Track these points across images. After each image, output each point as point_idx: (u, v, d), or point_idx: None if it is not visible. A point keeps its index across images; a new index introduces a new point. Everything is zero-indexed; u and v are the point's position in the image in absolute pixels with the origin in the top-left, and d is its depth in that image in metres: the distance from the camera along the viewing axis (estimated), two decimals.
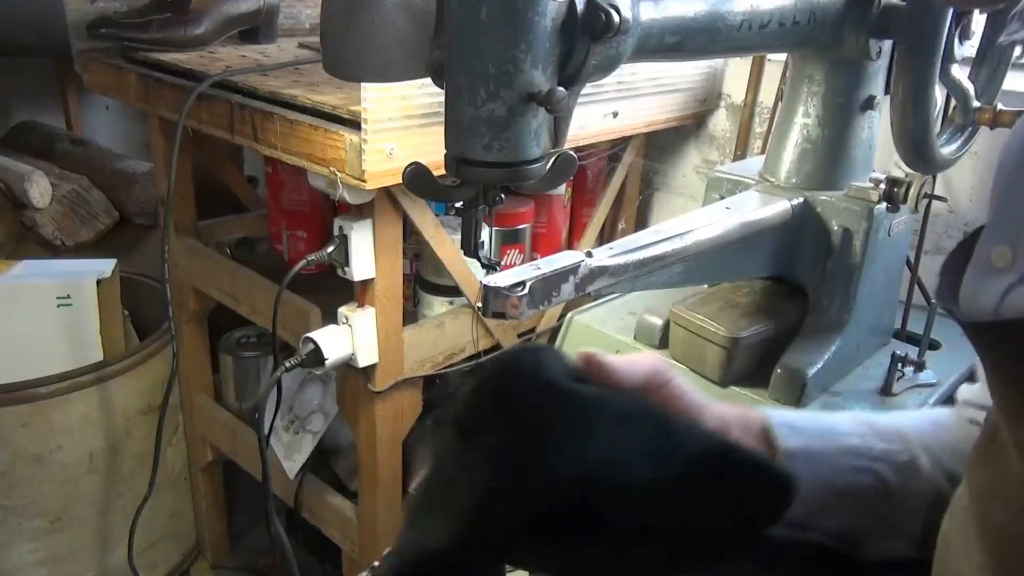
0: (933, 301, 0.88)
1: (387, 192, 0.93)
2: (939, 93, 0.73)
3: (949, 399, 0.87)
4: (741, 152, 1.28)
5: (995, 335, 0.36)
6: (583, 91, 0.58)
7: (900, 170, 0.83)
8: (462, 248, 0.62)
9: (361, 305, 1.00)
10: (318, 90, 0.93)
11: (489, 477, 0.37)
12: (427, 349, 1.09)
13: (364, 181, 0.83)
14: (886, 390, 0.84)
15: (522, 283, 0.58)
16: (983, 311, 0.36)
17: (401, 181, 0.58)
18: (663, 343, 0.91)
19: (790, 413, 0.50)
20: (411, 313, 1.17)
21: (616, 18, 0.53)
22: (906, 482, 0.48)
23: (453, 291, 1.13)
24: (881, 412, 0.53)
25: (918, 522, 0.49)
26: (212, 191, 1.48)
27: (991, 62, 0.83)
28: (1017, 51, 0.83)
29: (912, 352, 0.87)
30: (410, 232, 1.10)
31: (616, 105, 1.11)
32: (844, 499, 0.48)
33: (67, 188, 1.47)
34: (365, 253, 0.95)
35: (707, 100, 1.30)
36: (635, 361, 0.44)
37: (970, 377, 0.94)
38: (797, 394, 0.80)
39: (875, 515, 0.48)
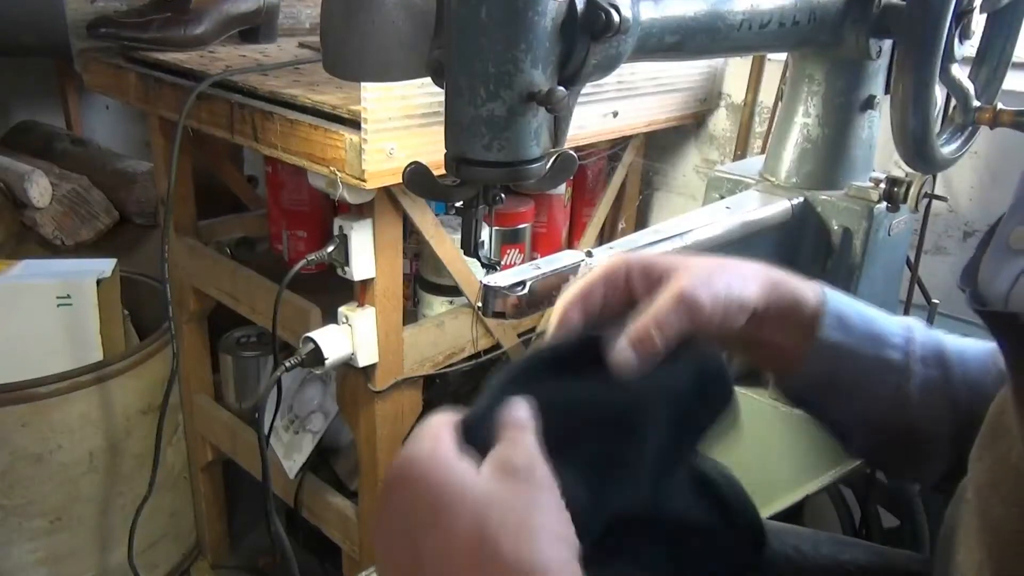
0: (934, 301, 0.88)
1: (387, 192, 0.93)
2: (939, 93, 0.73)
3: None
4: (741, 152, 1.28)
5: (1005, 323, 0.36)
6: (583, 91, 0.58)
7: (900, 170, 0.83)
8: (462, 248, 0.62)
9: (361, 305, 1.00)
10: (318, 90, 0.93)
11: None
12: (427, 349, 1.09)
13: (364, 181, 0.83)
14: None
15: (522, 283, 0.59)
16: (996, 295, 0.36)
17: (401, 181, 0.58)
18: None
19: (847, 305, 0.49)
20: (411, 313, 1.17)
21: (616, 18, 0.53)
22: (928, 400, 0.48)
23: (453, 291, 1.13)
24: (943, 334, 0.52)
25: (943, 440, 0.48)
26: (212, 191, 1.48)
27: (991, 62, 0.83)
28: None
29: None
30: (410, 232, 1.10)
31: (616, 105, 1.11)
32: (856, 393, 0.48)
33: (67, 188, 1.47)
34: (365, 253, 0.95)
35: (707, 100, 1.30)
36: (591, 283, 0.45)
37: None
38: None
39: (893, 426, 0.48)
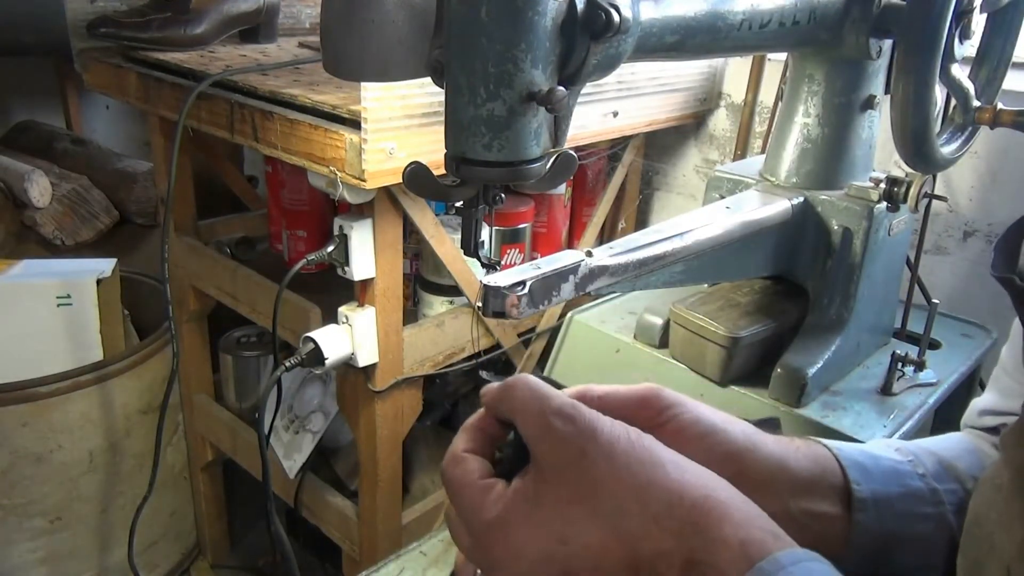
0: (934, 300, 0.88)
1: (387, 192, 0.93)
2: (939, 92, 0.73)
3: (949, 400, 0.87)
4: (741, 151, 1.28)
5: None
6: (583, 91, 0.58)
7: (900, 169, 0.83)
8: (462, 248, 0.61)
9: (361, 304, 1.00)
10: (318, 90, 0.93)
11: None
12: (427, 348, 1.09)
13: (364, 180, 0.83)
14: (886, 389, 0.84)
15: (522, 282, 0.58)
16: None
17: (401, 180, 0.58)
18: (663, 343, 0.91)
19: (853, 450, 0.47)
20: (411, 313, 1.17)
21: (616, 17, 0.53)
22: (962, 522, 0.46)
23: (453, 291, 1.13)
24: (917, 442, 0.51)
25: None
26: (212, 191, 1.48)
27: (991, 62, 0.82)
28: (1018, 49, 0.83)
29: (912, 351, 0.87)
30: (410, 232, 1.10)
31: (616, 104, 1.11)
32: (907, 547, 0.46)
33: (67, 188, 1.47)
34: (365, 252, 0.95)
35: (707, 100, 1.30)
36: (625, 393, 0.44)
37: (968, 388, 0.94)
38: (797, 394, 0.80)
39: (931, 563, 0.47)
